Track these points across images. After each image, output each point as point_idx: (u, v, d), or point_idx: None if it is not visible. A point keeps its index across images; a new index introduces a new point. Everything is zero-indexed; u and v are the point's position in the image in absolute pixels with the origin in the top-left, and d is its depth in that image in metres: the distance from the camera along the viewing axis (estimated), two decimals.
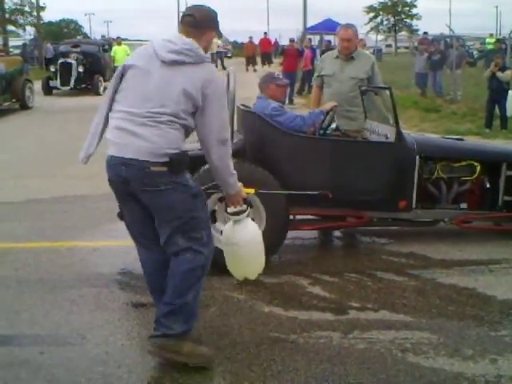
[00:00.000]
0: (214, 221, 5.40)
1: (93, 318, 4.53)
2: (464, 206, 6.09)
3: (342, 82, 6.58)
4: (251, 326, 4.37)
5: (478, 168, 6.02)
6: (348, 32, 6.60)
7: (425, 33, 30.19)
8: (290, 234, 6.10)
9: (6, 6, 37.03)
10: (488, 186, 6.16)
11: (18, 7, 37.79)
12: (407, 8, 61.35)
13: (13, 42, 38.11)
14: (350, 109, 6.57)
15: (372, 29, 57.94)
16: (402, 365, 3.85)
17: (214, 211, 5.38)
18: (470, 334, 4.24)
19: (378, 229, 6.37)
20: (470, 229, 6.25)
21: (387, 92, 5.84)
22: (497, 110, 14.51)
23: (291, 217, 5.68)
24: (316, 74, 7.05)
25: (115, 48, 23.62)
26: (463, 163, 6.03)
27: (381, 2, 61.58)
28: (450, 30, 22.73)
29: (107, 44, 26.13)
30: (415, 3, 60.23)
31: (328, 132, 6.27)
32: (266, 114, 5.65)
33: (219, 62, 33.86)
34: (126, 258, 5.79)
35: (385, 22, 62.64)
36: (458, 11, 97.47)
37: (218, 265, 5.24)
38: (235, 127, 5.82)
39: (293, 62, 19.86)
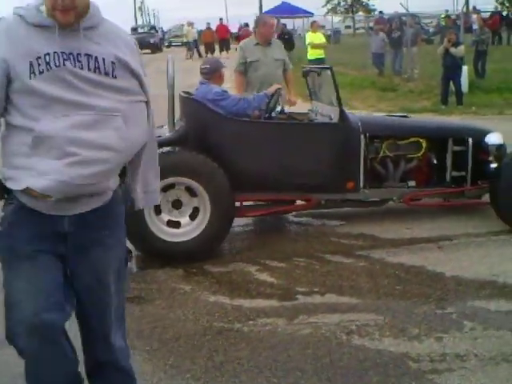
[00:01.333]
0: (159, 212, 5.29)
1: None
2: (412, 183, 6.07)
3: (268, 64, 6.99)
4: (196, 317, 4.28)
5: (424, 145, 6.00)
6: (271, 20, 7.25)
7: (380, 12, 30.19)
8: (241, 220, 6.06)
9: None
10: (435, 162, 6.12)
11: None
12: None
13: None
14: (273, 80, 6.68)
15: (329, 10, 58.13)
16: (346, 348, 3.80)
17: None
18: (416, 313, 4.21)
19: (328, 211, 6.30)
20: (418, 206, 6.22)
21: (329, 72, 5.78)
22: (452, 87, 14.56)
23: (238, 203, 5.59)
24: (240, 61, 7.13)
25: None
26: (409, 140, 5.99)
27: None
28: (404, 8, 22.70)
29: None
30: None
31: (273, 115, 6.19)
32: (208, 99, 5.56)
33: (195, 50, 33.49)
34: None
35: (342, 3, 62.79)
36: None
37: (165, 256, 5.20)
38: (177, 115, 5.72)
39: None
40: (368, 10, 57.27)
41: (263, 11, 35.39)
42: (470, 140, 5.99)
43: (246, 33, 21.57)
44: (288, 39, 22.36)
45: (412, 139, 6.00)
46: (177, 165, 5.17)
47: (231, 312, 4.34)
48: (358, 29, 52.96)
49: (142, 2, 67.12)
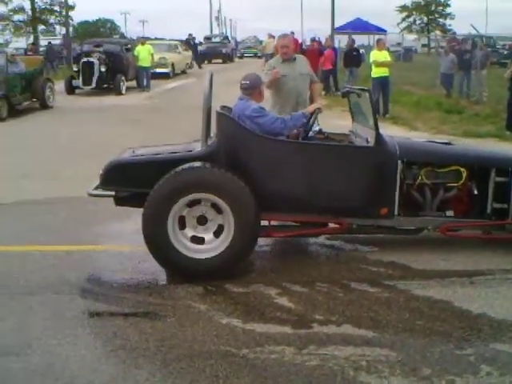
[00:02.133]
0: (183, 227, 5.23)
1: (44, 327, 4.39)
2: (450, 213, 5.82)
3: (295, 78, 7.21)
4: (204, 339, 4.19)
5: (465, 174, 5.74)
6: (285, 40, 7.50)
7: (453, 33, 29.62)
8: (268, 239, 5.95)
9: (37, 6, 37.38)
10: (476, 192, 5.85)
11: (48, 7, 38.10)
12: (440, 7, 60.40)
13: (52, 41, 38.37)
14: (301, 99, 7.22)
15: (404, 28, 57.42)
16: None
17: (182, 217, 5.21)
18: (432, 352, 4.01)
19: (363, 236, 6.12)
20: (455, 237, 5.97)
21: (367, 94, 5.62)
22: None
23: (266, 222, 5.48)
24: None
25: (138, 47, 23.53)
26: (449, 169, 5.77)
27: (414, 2, 60.73)
28: (475, 29, 22.20)
29: (130, 43, 26.08)
30: (448, 2, 59.28)
31: (311, 135, 6.06)
32: (246, 115, 5.50)
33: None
34: (97, 263, 5.70)
35: (418, 22, 61.86)
36: (496, 10, 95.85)
37: (188, 273, 5.13)
38: (212, 130, 5.67)
39: (314, 62, 19.54)
40: (444, 30, 56.38)
41: (335, 26, 35.18)
42: None
43: (311, 48, 21.38)
44: (356, 55, 22.19)
45: (452, 167, 5.76)
46: (203, 181, 5.10)
47: (241, 336, 4.23)
48: (433, 48, 52.20)
49: (218, 12, 67.72)
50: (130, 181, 5.46)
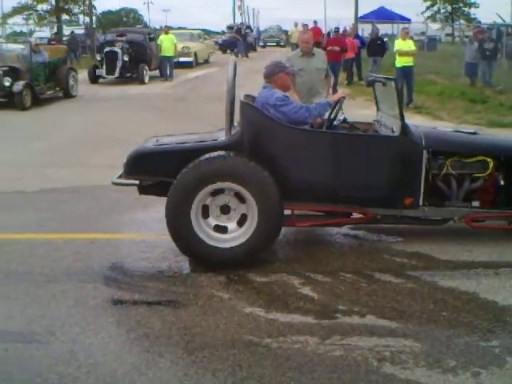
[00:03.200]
0: (206, 216, 5.22)
1: (68, 315, 4.41)
2: (476, 204, 5.77)
3: (310, 72, 7.94)
4: (227, 328, 4.18)
5: (491, 164, 5.66)
6: (306, 36, 8.35)
7: (478, 22, 29.28)
8: (292, 229, 5.93)
9: None
10: (502, 183, 5.78)
11: None
12: None
13: (75, 31, 38.46)
14: (315, 90, 7.92)
15: (428, 17, 56.88)
16: (374, 375, 3.61)
17: (205, 206, 5.20)
18: (457, 343, 3.96)
19: (387, 226, 6.07)
20: (481, 228, 5.89)
21: (393, 84, 5.56)
22: None
23: (289, 212, 5.45)
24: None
25: (162, 37, 23.51)
26: (475, 159, 5.69)
27: None
28: (501, 18, 21.90)
29: (153, 33, 26.08)
30: None
31: (336, 123, 6.02)
32: (270, 103, 5.47)
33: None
34: (121, 251, 5.71)
35: (442, 11, 61.21)
36: None
37: (211, 262, 5.12)
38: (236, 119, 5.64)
39: (337, 52, 19.37)
40: (469, 19, 55.73)
41: (359, 15, 34.95)
42: None
43: (332, 40, 21.14)
44: (380, 45, 22.01)
45: (478, 158, 5.69)
46: (226, 170, 5.09)
47: (264, 325, 4.21)
48: (457, 37, 51.64)
49: (241, 0, 67.43)
50: (154, 170, 5.45)
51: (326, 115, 5.98)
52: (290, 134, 5.40)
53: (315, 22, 33.67)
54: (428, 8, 60.56)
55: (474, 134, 6.19)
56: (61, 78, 18.27)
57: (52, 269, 5.26)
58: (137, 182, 5.53)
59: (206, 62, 33.07)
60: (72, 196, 7.60)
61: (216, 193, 5.19)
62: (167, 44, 23.21)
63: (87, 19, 40.39)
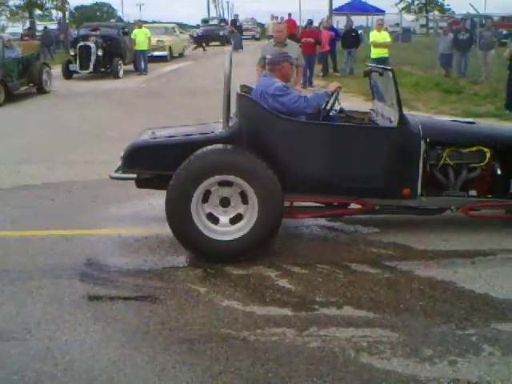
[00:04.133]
0: (206, 200, 5.20)
1: (44, 312, 4.37)
2: (473, 193, 5.87)
3: None
4: (204, 322, 4.17)
5: (489, 154, 5.72)
6: (280, 26, 9.05)
7: (452, 12, 29.45)
8: None
9: None
10: (499, 172, 5.80)
11: None
12: None
13: (49, 26, 38.04)
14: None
15: (403, 9, 57.00)
16: (352, 366, 3.62)
17: (208, 191, 5.18)
18: (434, 333, 3.99)
19: (364, 217, 6.08)
20: (478, 217, 5.92)
21: (390, 73, 5.57)
22: None
23: (288, 204, 5.46)
24: (260, 58, 8.67)
25: (135, 31, 23.37)
26: (472, 149, 5.73)
27: None
28: (474, 9, 22.05)
29: (127, 27, 25.90)
30: None
31: (332, 114, 6.03)
32: (268, 93, 5.46)
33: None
34: (96, 247, 5.66)
35: (416, 2, 61.44)
36: None
37: (209, 255, 5.19)
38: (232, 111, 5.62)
39: (311, 45, 19.36)
40: (443, 10, 56.00)
41: (333, 8, 35.00)
42: None
43: (306, 32, 21.10)
44: (355, 37, 22.07)
45: (476, 147, 5.73)
46: (226, 163, 5.07)
47: (241, 318, 4.20)
48: (432, 28, 51.86)
49: None
50: (152, 163, 5.42)
51: (323, 105, 5.97)
52: (287, 125, 5.35)
53: (289, 14, 33.66)
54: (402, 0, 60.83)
55: (471, 123, 6.18)
56: (34, 73, 18.08)
57: (27, 266, 5.21)
58: (134, 175, 5.50)
59: (181, 55, 32.94)
60: (47, 192, 7.51)
61: (224, 184, 5.16)
62: (141, 38, 23.10)
63: (60, 14, 40.01)
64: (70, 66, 22.40)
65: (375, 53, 16.49)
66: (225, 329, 4.07)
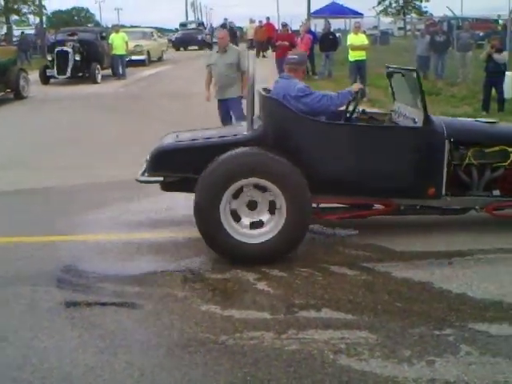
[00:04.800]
0: (238, 219, 5.23)
1: (21, 319, 4.33)
2: (496, 193, 5.88)
3: (221, 66, 9.38)
4: (182, 326, 4.15)
5: None
6: (220, 33, 9.98)
7: (429, 15, 29.64)
8: None
9: None
10: None
11: None
12: None
13: (26, 31, 37.79)
14: (226, 83, 9.38)
15: (381, 11, 57.23)
16: (331, 368, 3.62)
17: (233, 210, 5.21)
18: (412, 333, 4.00)
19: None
20: (501, 217, 5.97)
21: (414, 74, 5.63)
22: (494, 93, 14.11)
23: (314, 205, 5.50)
24: (207, 63, 9.78)
25: (113, 35, 23.28)
26: (496, 148, 5.77)
27: None
28: (451, 11, 22.23)
29: (105, 31, 25.81)
30: None
31: (354, 116, 6.13)
32: (291, 95, 5.49)
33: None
34: (74, 253, 5.62)
35: (394, 5, 61.72)
36: None
37: (238, 258, 5.20)
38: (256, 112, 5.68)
39: (286, 48, 19.32)
40: (420, 13, 56.27)
41: (312, 11, 35.08)
42: None
43: (281, 35, 21.09)
44: (332, 40, 22.14)
45: (499, 147, 5.78)
46: (256, 166, 5.09)
47: (220, 323, 4.19)
48: (409, 30, 52.14)
49: None
50: (179, 166, 5.43)
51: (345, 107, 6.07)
52: (315, 126, 5.41)
53: (268, 18, 33.75)
54: (380, 2, 61.08)
55: (494, 123, 6.25)
56: (11, 79, 17.96)
57: (4, 273, 5.17)
58: (161, 178, 5.50)
59: (160, 59, 32.87)
60: (23, 198, 7.47)
61: (257, 188, 5.19)
62: (118, 42, 23.01)
63: (37, 19, 39.80)
64: (48, 71, 22.29)
65: (353, 56, 16.56)
66: (203, 333, 4.05)
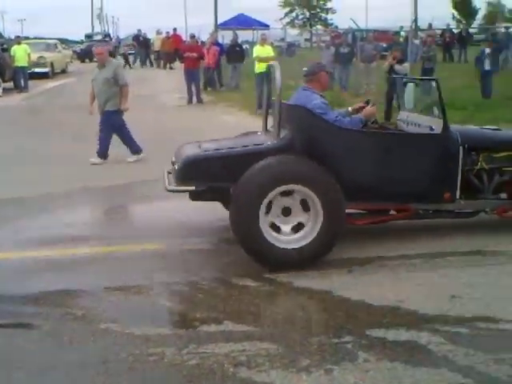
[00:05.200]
0: (268, 211, 5.31)
1: None
2: (504, 196, 6.27)
3: (99, 81, 9.95)
4: (81, 346, 4.05)
5: None
6: (97, 49, 10.24)
7: (335, 27, 30.29)
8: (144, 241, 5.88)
9: None
10: None
11: None
12: (322, 2, 61.37)
13: None
14: (104, 97, 9.88)
15: (287, 23, 58.02)
16: (230, 381, 3.61)
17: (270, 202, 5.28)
18: (312, 342, 4.03)
19: None
20: (510, 218, 6.28)
21: (433, 84, 5.99)
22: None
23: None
24: (91, 79, 10.24)
25: (15, 47, 22.67)
26: (504, 153, 6.12)
27: None
28: (355, 23, 22.79)
29: (6, 43, 25.11)
30: None
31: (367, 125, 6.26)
32: (306, 107, 5.69)
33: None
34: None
35: (300, 17, 62.70)
36: (376, 4, 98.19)
37: (277, 263, 5.28)
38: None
39: (194, 59, 19.32)
40: (326, 25, 57.37)
41: (219, 22, 35.21)
42: None
43: (188, 46, 21.07)
44: (239, 51, 22.29)
45: (508, 152, 6.13)
46: (293, 172, 5.27)
47: (119, 340, 4.11)
48: (315, 42, 53.04)
49: (100, 9, 66.40)
50: (209, 175, 5.48)
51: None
52: (342, 134, 5.65)
53: (175, 29, 33.72)
54: (286, 14, 61.90)
55: (498, 130, 6.69)
56: None
57: None
58: (193, 187, 5.50)
59: (64, 71, 32.22)
60: None
61: (285, 194, 5.30)
62: (20, 54, 22.43)
63: None
64: None
65: (259, 67, 16.62)
66: (102, 352, 3.96)
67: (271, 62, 5.98)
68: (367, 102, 6.29)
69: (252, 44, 32.56)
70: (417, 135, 6.21)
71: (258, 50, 17.06)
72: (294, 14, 62.08)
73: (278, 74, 5.55)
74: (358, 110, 6.21)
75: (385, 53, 28.98)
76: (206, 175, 5.48)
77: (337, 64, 20.54)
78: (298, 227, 5.34)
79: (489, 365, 3.72)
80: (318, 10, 61.89)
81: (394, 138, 5.94)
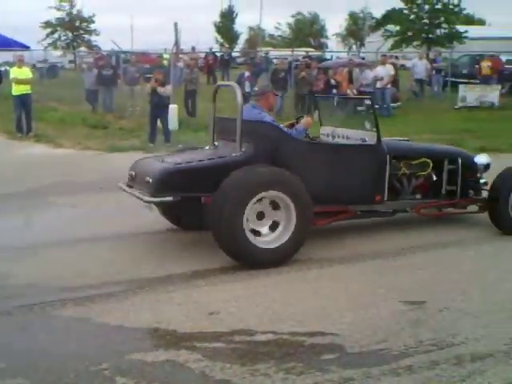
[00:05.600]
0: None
1: None
2: (418, 196, 7.34)
3: None
4: None
5: (431, 164, 7.22)
6: None
7: (98, 48, 29.97)
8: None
9: None
10: (435, 178, 7.35)
11: None
12: (85, 24, 60.48)
13: None
14: None
15: (50, 45, 56.32)
16: None
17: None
18: (67, 373, 3.89)
19: None
20: (427, 215, 7.69)
21: (369, 101, 7.10)
22: (160, 125, 14.61)
23: None
24: None
25: None
26: (420, 160, 7.22)
27: (58, 18, 59.86)
28: (117, 46, 22.75)
29: None
30: (93, 19, 59.50)
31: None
32: None
33: None
34: None
35: (63, 38, 61.21)
36: (140, 26, 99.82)
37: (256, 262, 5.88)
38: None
39: None
40: (90, 46, 56.58)
41: None
42: (460, 160, 7.45)
43: None
44: None
45: (422, 159, 7.21)
46: (273, 180, 5.89)
47: None
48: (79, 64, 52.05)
49: None
50: (185, 186, 5.89)
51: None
52: (299, 146, 6.50)
53: None
54: (48, 35, 60.06)
55: (408, 141, 8.27)
56: None
57: None
58: (171, 198, 5.81)
59: None
60: None
61: (257, 200, 5.85)
62: None
63: None
64: None
65: (17, 90, 15.98)
66: None
67: (226, 83, 6.52)
68: (298, 119, 7.22)
69: (12, 65, 31.24)
70: (357, 146, 6.98)
71: (15, 72, 16.39)
72: (56, 36, 60.54)
73: (239, 96, 6.16)
74: (290, 127, 7.05)
75: (149, 75, 29.39)
76: (180, 186, 5.87)
77: (100, 86, 20.38)
78: (273, 226, 5.98)
79: (244, 377, 3.88)
80: (82, 32, 60.89)
81: (337, 149, 6.85)
